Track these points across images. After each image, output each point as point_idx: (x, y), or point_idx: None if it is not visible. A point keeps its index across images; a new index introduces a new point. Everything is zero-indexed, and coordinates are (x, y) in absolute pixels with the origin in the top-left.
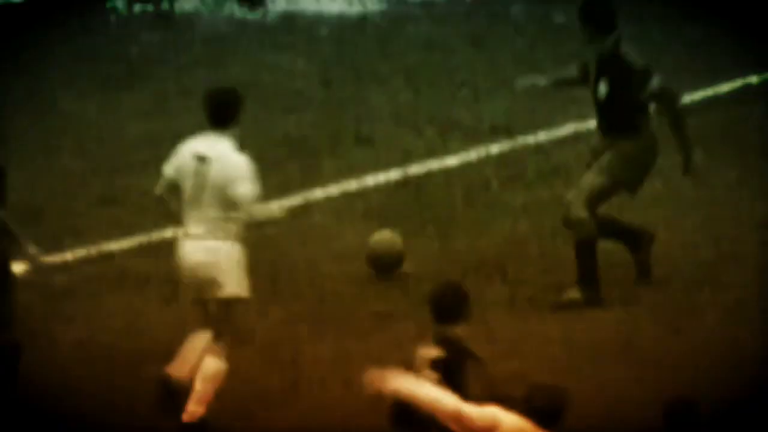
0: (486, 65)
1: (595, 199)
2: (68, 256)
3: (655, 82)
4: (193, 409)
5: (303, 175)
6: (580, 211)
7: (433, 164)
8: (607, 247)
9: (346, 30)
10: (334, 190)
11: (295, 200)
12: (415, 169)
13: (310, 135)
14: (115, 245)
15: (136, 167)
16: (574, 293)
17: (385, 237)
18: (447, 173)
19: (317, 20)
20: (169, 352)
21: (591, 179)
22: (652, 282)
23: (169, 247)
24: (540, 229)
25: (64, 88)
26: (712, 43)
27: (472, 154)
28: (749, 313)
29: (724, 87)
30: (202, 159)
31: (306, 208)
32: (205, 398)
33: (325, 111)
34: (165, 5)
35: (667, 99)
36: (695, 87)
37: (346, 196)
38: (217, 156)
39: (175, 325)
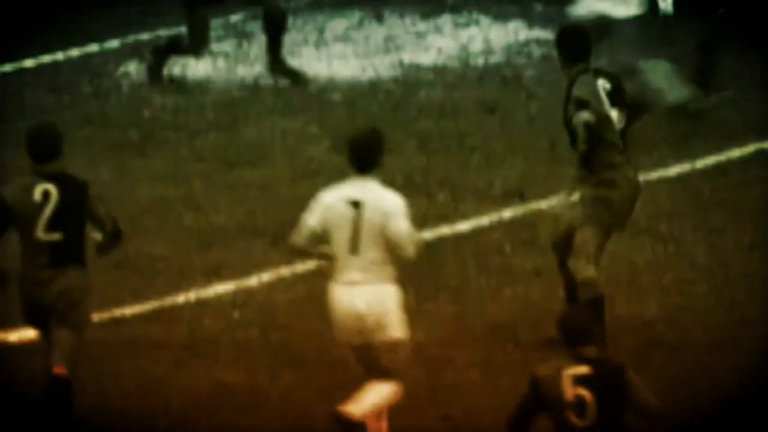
0: (498, 130)
1: (597, 251)
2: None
3: (583, 116)
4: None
5: None
6: (587, 272)
7: (445, 229)
8: (617, 311)
9: (359, 95)
10: None
11: (306, 266)
12: (428, 233)
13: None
14: (126, 310)
15: (149, 232)
16: None
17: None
18: (459, 238)
19: (329, 85)
20: (180, 415)
21: (582, 237)
22: (664, 346)
23: (180, 312)
24: (552, 293)
25: (76, 153)
26: (723, 109)
27: (484, 219)
28: (763, 378)
29: (736, 152)
30: (355, 204)
31: (317, 274)
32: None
33: (337, 176)
34: (177, 70)
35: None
36: (707, 152)
37: None
38: (369, 199)
39: (185, 389)
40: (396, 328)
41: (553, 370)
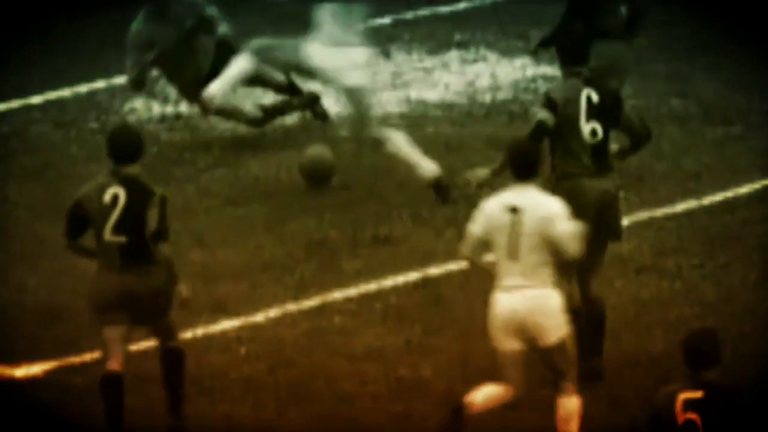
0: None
1: (597, 270)
2: (87, 357)
3: (540, 114)
4: None
5: (321, 276)
6: (592, 292)
7: (453, 265)
8: (623, 347)
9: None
10: (352, 291)
11: (313, 301)
12: (435, 270)
13: (329, 235)
14: (133, 346)
15: None
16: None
17: (317, 150)
18: (466, 274)
19: (336, 121)
20: None
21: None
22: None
23: (186, 347)
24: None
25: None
26: (732, 144)
27: (491, 255)
28: None
29: (744, 188)
30: (514, 210)
31: (324, 309)
32: None
33: (344, 212)
34: (184, 107)
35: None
36: (715, 188)
37: (365, 297)
38: (529, 204)
39: (192, 424)
40: (559, 329)
41: (669, 395)
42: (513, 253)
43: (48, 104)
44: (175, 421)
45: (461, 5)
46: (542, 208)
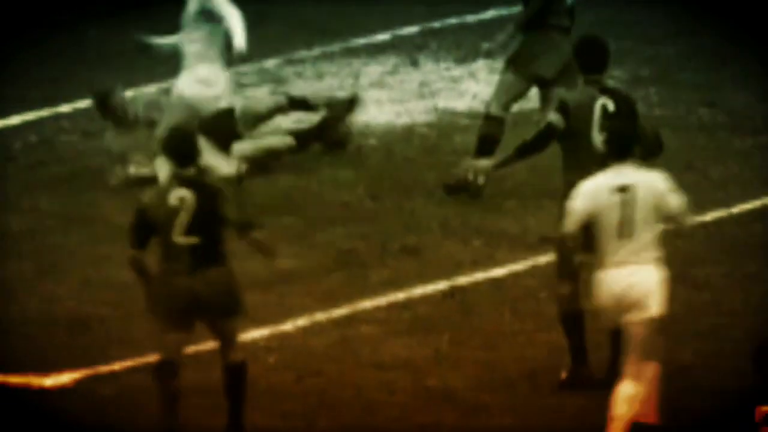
0: (533, 175)
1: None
2: (116, 366)
3: (552, 116)
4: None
5: (350, 286)
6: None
7: (480, 275)
8: None
9: (394, 140)
10: (381, 300)
11: (341, 311)
12: (462, 279)
13: (358, 246)
14: None
15: None
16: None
17: None
18: (494, 283)
19: (365, 130)
20: None
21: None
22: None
23: (216, 357)
24: (588, 338)
25: (112, 199)
26: (760, 154)
27: (520, 265)
28: None
29: None
30: (623, 189)
31: (352, 319)
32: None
33: (372, 222)
34: None
35: None
36: (743, 197)
37: (393, 307)
38: (639, 182)
39: None
40: (658, 305)
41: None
42: (625, 231)
43: (77, 114)
44: None
45: (489, 14)
46: (653, 184)
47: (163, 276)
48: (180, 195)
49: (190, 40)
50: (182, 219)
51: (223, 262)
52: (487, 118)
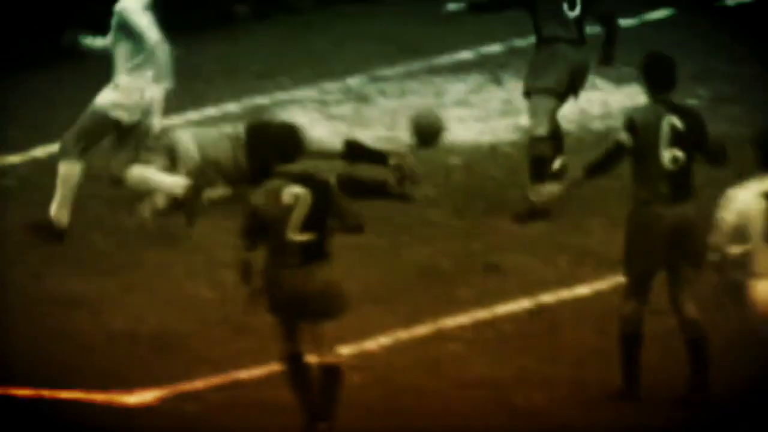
0: (617, 193)
1: (684, 296)
2: (199, 384)
3: (619, 135)
4: None
5: (434, 304)
6: (687, 315)
7: (565, 293)
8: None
9: (478, 158)
10: (465, 318)
11: (426, 329)
12: (547, 297)
13: (442, 264)
14: (246, 374)
15: None
16: None
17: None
18: (578, 302)
19: (450, 149)
20: None
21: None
22: None
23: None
24: (672, 356)
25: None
26: None
27: (604, 283)
28: None
29: None
30: None
31: (437, 338)
32: None
33: (456, 240)
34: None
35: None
36: None
37: (478, 325)
38: None
39: None
40: None
41: None
42: None
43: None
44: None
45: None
46: None
47: (272, 271)
48: (294, 192)
49: (115, 47)
50: (298, 215)
51: (327, 257)
52: (534, 140)
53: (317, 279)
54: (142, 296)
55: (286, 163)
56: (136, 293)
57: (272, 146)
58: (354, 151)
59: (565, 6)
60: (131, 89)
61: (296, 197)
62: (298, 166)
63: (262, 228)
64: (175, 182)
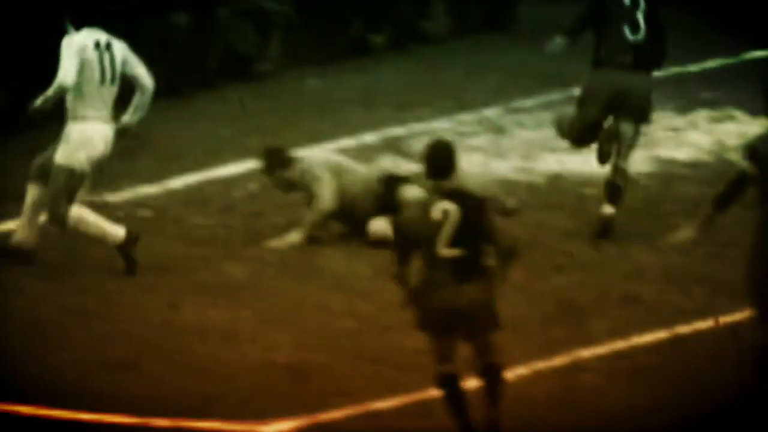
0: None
1: None
2: (337, 414)
3: (744, 164)
4: None
5: (570, 335)
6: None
7: (702, 324)
8: None
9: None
10: (602, 350)
11: (562, 360)
12: (684, 329)
13: (579, 295)
14: (383, 404)
15: (405, 325)
16: None
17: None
18: (716, 333)
19: (586, 181)
20: None
21: None
22: None
23: (435, 405)
24: None
25: (331, 247)
26: None
27: (742, 314)
28: None
29: None
30: None
31: (573, 368)
32: None
33: (593, 271)
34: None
35: None
36: None
37: (614, 356)
38: None
39: None
40: None
41: None
42: None
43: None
44: None
45: (710, 63)
46: None
47: (426, 287)
48: (443, 208)
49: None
50: (447, 231)
51: (484, 274)
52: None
53: (469, 295)
54: (279, 326)
55: (438, 179)
56: (272, 323)
57: (425, 161)
58: None
59: (627, 30)
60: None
61: (445, 213)
62: (451, 183)
63: (413, 242)
64: (116, 231)
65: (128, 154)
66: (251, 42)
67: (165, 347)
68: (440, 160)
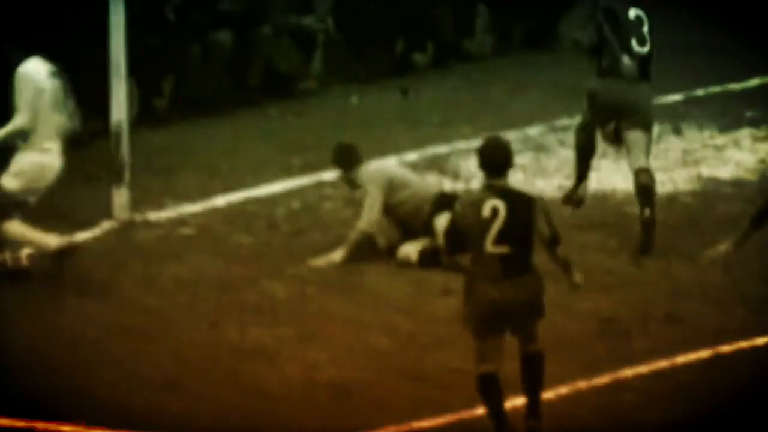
0: None
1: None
2: None
3: None
4: None
5: (612, 354)
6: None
7: (744, 343)
8: None
9: (657, 208)
10: (643, 369)
11: (604, 379)
12: (726, 348)
13: (621, 313)
14: (425, 423)
15: (448, 344)
16: None
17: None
18: (758, 352)
19: (628, 198)
20: None
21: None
22: None
23: (479, 424)
24: None
25: (373, 264)
26: None
27: None
28: None
29: None
30: None
31: (615, 387)
32: None
33: (636, 289)
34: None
35: None
36: None
37: (656, 375)
38: None
39: None
40: None
41: None
42: None
43: (339, 181)
44: (534, 423)
45: (753, 82)
46: None
47: (474, 282)
48: (493, 206)
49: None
50: (495, 229)
51: (531, 270)
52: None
53: (517, 290)
54: (320, 345)
55: (493, 177)
56: (314, 342)
57: (480, 158)
58: None
59: (634, 41)
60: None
61: (495, 211)
62: (503, 181)
63: (463, 236)
64: (48, 240)
65: (170, 172)
66: (293, 60)
67: (206, 366)
68: (495, 158)
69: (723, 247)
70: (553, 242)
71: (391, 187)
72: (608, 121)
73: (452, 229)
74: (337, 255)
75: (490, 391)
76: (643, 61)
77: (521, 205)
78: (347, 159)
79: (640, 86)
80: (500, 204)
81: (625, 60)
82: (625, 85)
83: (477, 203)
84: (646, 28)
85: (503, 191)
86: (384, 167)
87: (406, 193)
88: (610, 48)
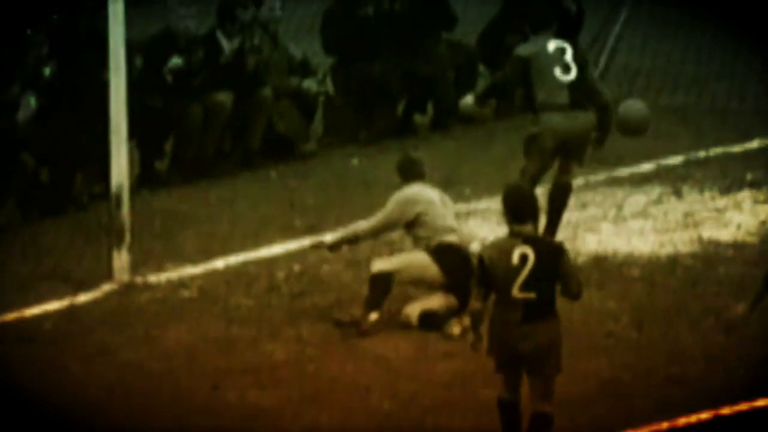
0: None
1: None
2: None
3: None
4: None
5: (613, 416)
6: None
7: (744, 406)
8: None
9: (657, 270)
10: (644, 430)
11: None
12: (726, 410)
13: (622, 376)
14: None
15: (451, 406)
16: None
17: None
18: (759, 415)
19: (628, 260)
20: None
21: None
22: None
23: None
24: None
25: (373, 328)
26: None
27: None
28: None
29: None
30: None
31: None
32: None
33: (636, 352)
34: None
35: None
36: None
37: None
38: None
39: None
40: None
41: None
42: None
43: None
44: None
45: (754, 144)
46: None
47: (497, 322)
48: (522, 252)
49: None
50: (523, 275)
51: (552, 317)
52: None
53: (536, 337)
54: (321, 406)
55: (518, 224)
56: (315, 403)
57: (505, 206)
58: None
59: (558, 71)
60: None
61: (524, 258)
62: (530, 228)
63: (492, 281)
64: None
65: (170, 234)
66: (294, 122)
67: (207, 428)
68: (520, 205)
69: (740, 308)
70: (576, 294)
71: (414, 215)
72: (553, 157)
73: (483, 275)
74: (329, 237)
75: (507, 417)
76: (573, 89)
77: (549, 253)
78: (406, 171)
79: (577, 116)
80: (529, 251)
81: (555, 92)
82: (562, 116)
83: (507, 250)
84: (569, 56)
85: (531, 239)
86: (421, 198)
87: (424, 232)
88: (538, 87)
